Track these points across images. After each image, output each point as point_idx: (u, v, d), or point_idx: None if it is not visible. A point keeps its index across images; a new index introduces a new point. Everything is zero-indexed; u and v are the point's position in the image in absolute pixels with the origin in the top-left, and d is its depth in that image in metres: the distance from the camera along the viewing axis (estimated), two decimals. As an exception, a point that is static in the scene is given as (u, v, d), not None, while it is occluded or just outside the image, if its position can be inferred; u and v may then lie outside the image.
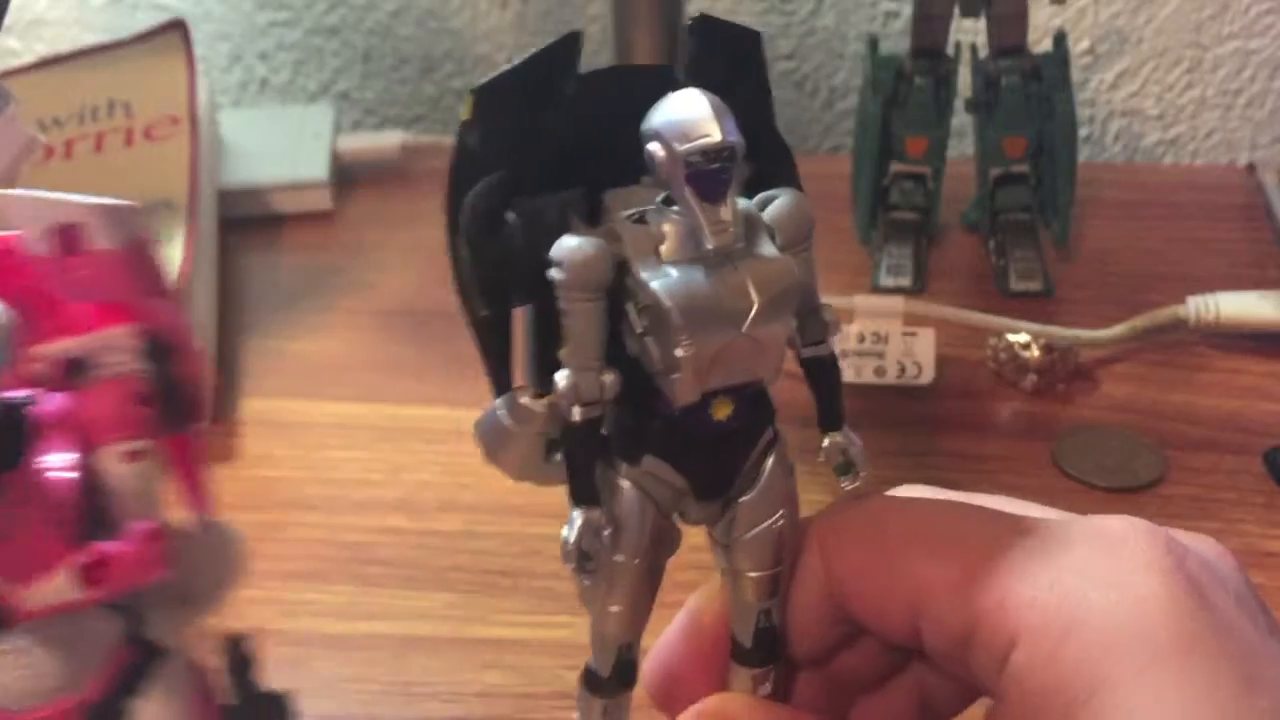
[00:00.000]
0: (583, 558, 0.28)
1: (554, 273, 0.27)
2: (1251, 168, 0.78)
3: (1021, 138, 0.67)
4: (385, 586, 0.52)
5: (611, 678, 0.31)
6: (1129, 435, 0.58)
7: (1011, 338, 0.62)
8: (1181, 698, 0.24)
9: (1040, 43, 0.75)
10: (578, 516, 0.28)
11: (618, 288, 0.27)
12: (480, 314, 0.29)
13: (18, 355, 0.31)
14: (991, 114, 0.67)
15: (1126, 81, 0.85)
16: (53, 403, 0.32)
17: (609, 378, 0.28)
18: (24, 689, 0.32)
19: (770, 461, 0.30)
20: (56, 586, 0.31)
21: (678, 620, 0.32)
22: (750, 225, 0.28)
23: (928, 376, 0.61)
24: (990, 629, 0.27)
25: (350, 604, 0.51)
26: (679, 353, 0.26)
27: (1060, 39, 0.66)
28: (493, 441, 0.29)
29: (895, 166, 0.68)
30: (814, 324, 0.30)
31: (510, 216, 0.28)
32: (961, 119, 0.69)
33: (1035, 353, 0.61)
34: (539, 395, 0.29)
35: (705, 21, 0.29)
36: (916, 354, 0.61)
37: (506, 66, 0.27)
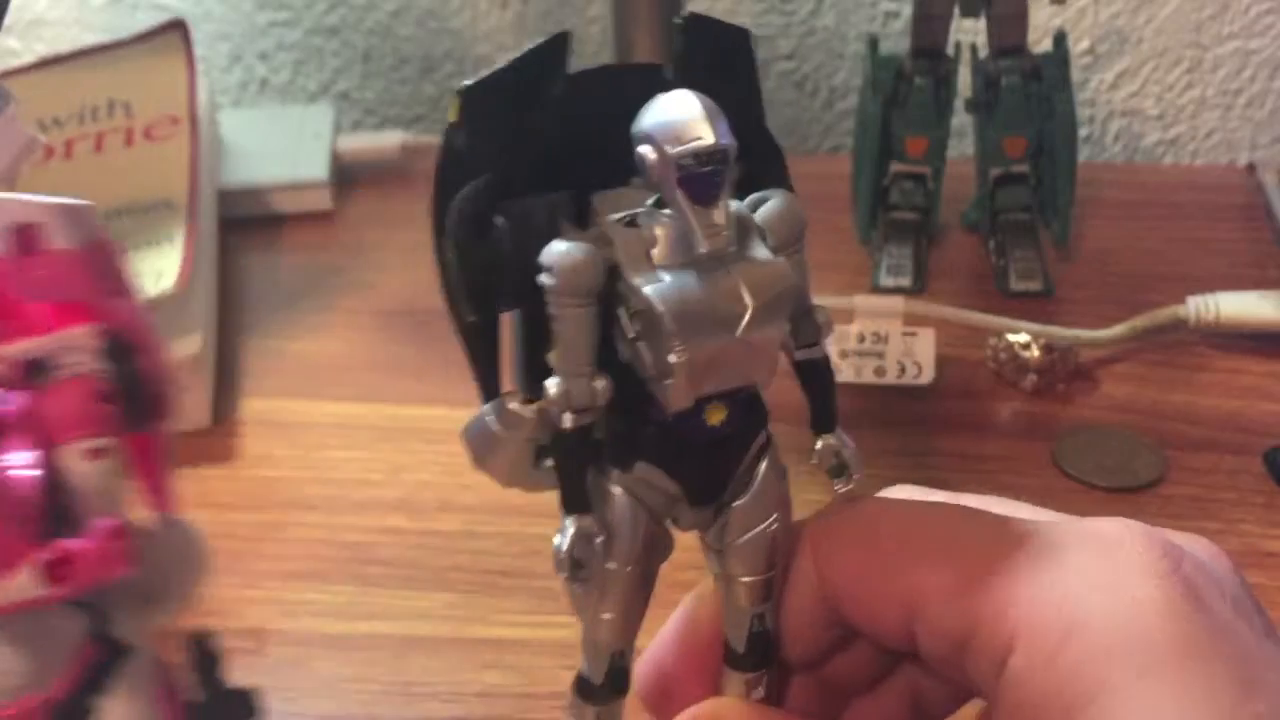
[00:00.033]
0: (575, 566, 0.28)
1: (544, 278, 0.27)
2: (1251, 168, 0.78)
3: (1021, 138, 0.67)
4: (385, 586, 0.52)
5: (604, 685, 0.31)
6: (1129, 435, 0.58)
7: (1011, 338, 0.62)
8: (1180, 704, 0.24)
9: (1040, 43, 0.75)
10: (570, 524, 0.28)
11: (609, 293, 0.27)
12: (468, 319, 0.28)
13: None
14: (991, 114, 0.67)
15: (1126, 81, 0.85)
16: (13, 402, 0.32)
17: (600, 384, 0.27)
18: (-12, 687, 0.32)
19: (763, 465, 0.29)
20: (19, 584, 0.31)
21: (670, 624, 0.32)
22: (742, 228, 0.27)
23: (928, 376, 0.61)
24: (987, 634, 0.27)
25: (350, 604, 0.51)
26: (672, 358, 0.26)
27: (1060, 39, 0.66)
28: (481, 448, 0.29)
29: (895, 166, 0.68)
30: (807, 326, 0.30)
31: (498, 220, 0.27)
32: (961, 119, 0.69)
33: (1035, 353, 0.61)
34: (528, 401, 0.28)
35: (694, 20, 0.29)
36: (916, 354, 0.61)
37: (493, 68, 0.27)
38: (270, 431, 0.60)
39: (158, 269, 0.61)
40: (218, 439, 0.60)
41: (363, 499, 0.56)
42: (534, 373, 0.28)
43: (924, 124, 0.67)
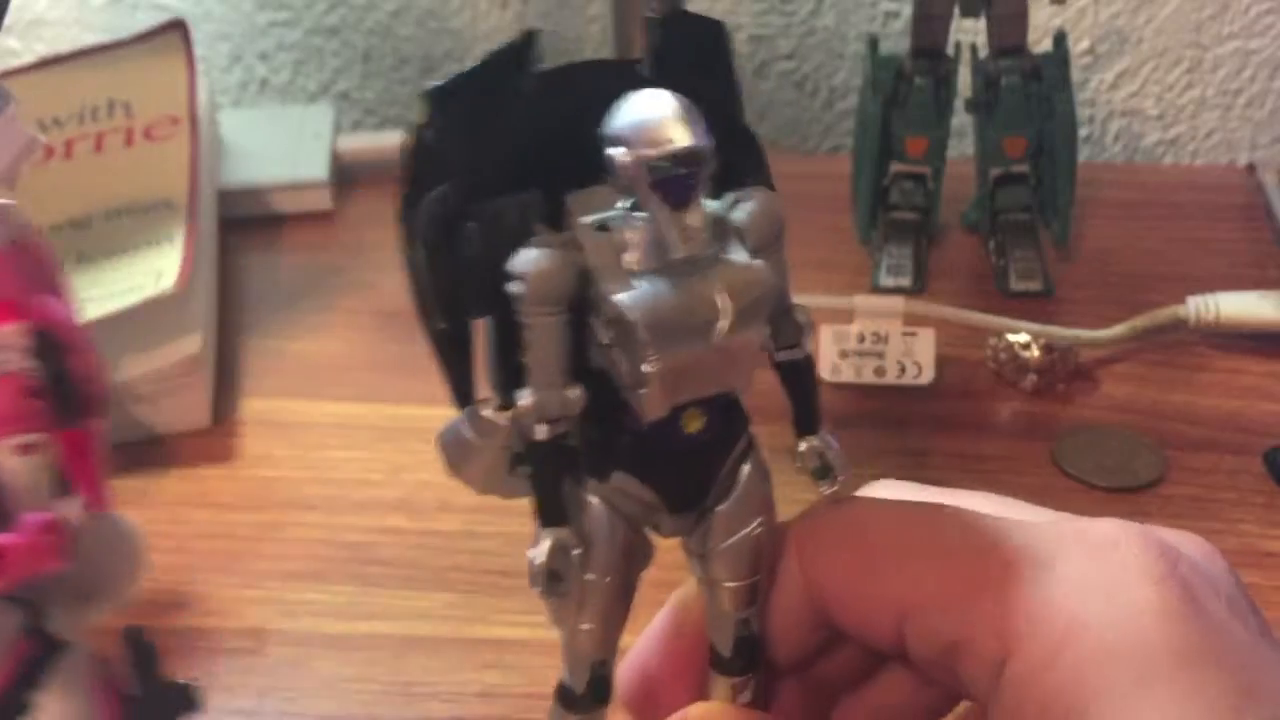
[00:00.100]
0: (552, 579, 0.28)
1: (513, 286, 0.26)
2: (1251, 168, 0.78)
3: (1021, 138, 0.67)
4: (385, 586, 0.52)
5: (586, 695, 0.30)
6: (1129, 435, 0.58)
7: (1011, 338, 0.62)
8: (1179, 711, 0.24)
9: (1040, 43, 0.75)
10: (545, 537, 0.27)
11: (581, 299, 0.26)
12: (438, 327, 0.28)
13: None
14: (991, 114, 0.67)
15: (1126, 81, 0.85)
16: None
17: (574, 393, 0.27)
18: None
19: (746, 468, 0.29)
20: None
21: (654, 626, 0.31)
22: (719, 229, 0.27)
23: (928, 376, 0.61)
24: (981, 639, 0.27)
25: (350, 604, 0.51)
26: (646, 368, 0.25)
27: (1060, 39, 0.66)
28: (455, 455, 0.28)
29: (895, 166, 0.68)
30: (787, 327, 0.29)
31: (469, 223, 0.27)
32: (961, 119, 0.69)
33: (1035, 353, 0.61)
34: (502, 408, 0.27)
35: (668, 14, 0.28)
36: (916, 354, 0.61)
37: (462, 68, 0.26)
38: (270, 431, 0.60)
39: (158, 269, 0.61)
40: (218, 439, 0.60)
41: (363, 499, 0.56)
42: (508, 379, 0.27)
43: (924, 124, 0.67)
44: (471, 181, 0.27)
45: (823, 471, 0.30)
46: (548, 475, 0.27)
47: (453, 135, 0.26)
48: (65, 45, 0.80)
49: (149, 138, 0.70)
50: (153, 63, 0.73)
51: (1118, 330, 0.63)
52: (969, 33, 0.68)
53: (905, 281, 0.68)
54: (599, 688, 0.30)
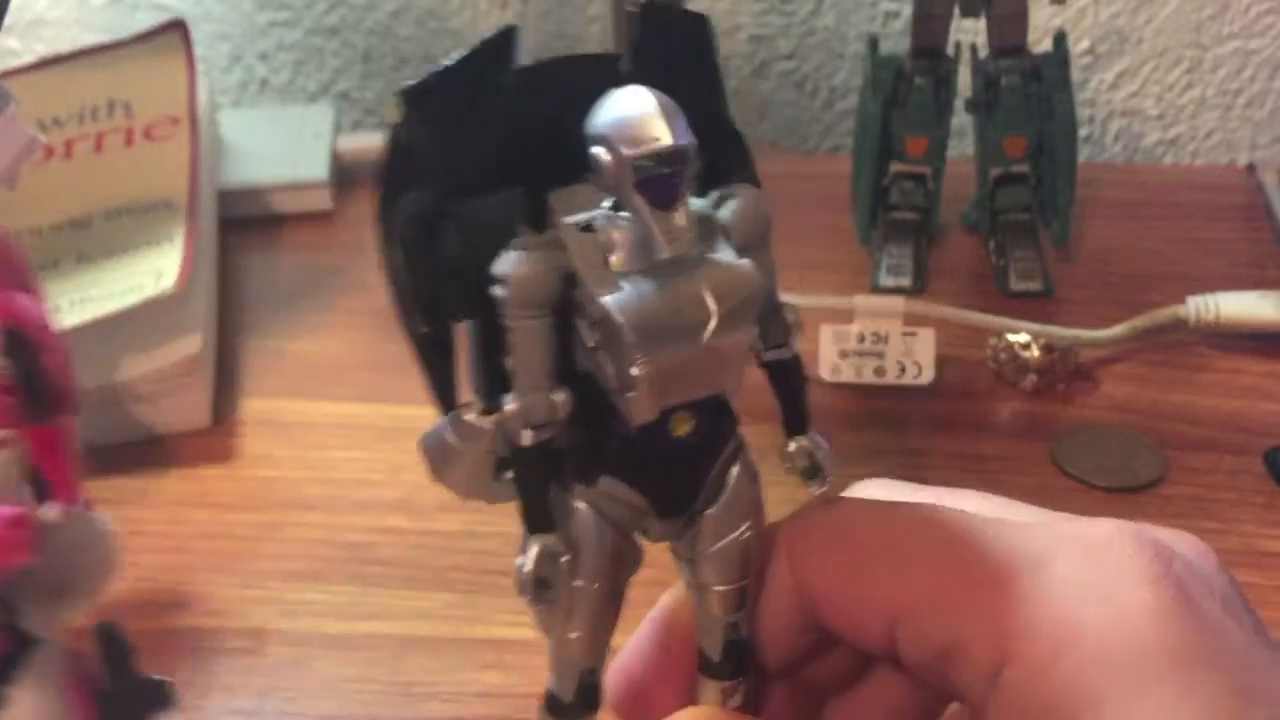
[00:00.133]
0: (540, 586, 0.27)
1: (496, 290, 0.26)
2: (1251, 168, 0.78)
3: (1021, 138, 0.67)
4: (385, 586, 0.52)
5: (574, 703, 0.30)
6: (1129, 435, 0.58)
7: (1011, 338, 0.62)
8: (1178, 714, 0.24)
9: (1040, 43, 0.75)
10: (532, 544, 0.27)
11: (566, 301, 0.26)
12: (420, 331, 0.27)
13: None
14: (991, 114, 0.67)
15: (1126, 81, 0.85)
16: None
17: (560, 397, 0.26)
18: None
19: (734, 471, 0.28)
20: None
21: (641, 631, 0.31)
22: (705, 228, 0.26)
23: (928, 376, 0.61)
24: (976, 645, 0.26)
25: (350, 604, 0.51)
26: (634, 371, 0.25)
27: (1060, 39, 0.67)
28: (439, 460, 0.28)
29: (895, 166, 0.68)
30: (776, 326, 0.28)
31: (449, 223, 0.26)
32: (961, 119, 0.69)
33: (1035, 353, 0.61)
34: (486, 412, 0.27)
35: (650, 9, 0.27)
36: (916, 354, 0.61)
37: (437, 66, 0.26)
38: (270, 431, 0.60)
39: (158, 269, 0.61)
40: (218, 439, 0.60)
41: (363, 499, 0.56)
42: (492, 382, 0.27)
43: (924, 124, 0.67)
44: (450, 181, 0.26)
45: (812, 472, 0.29)
46: (534, 481, 0.27)
47: (430, 134, 0.26)
48: (65, 45, 0.80)
49: (149, 138, 0.70)
50: (153, 63, 0.73)
51: (1118, 330, 0.63)
52: (969, 33, 0.68)
53: (905, 281, 0.68)
54: (588, 695, 0.30)
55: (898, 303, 0.62)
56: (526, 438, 0.26)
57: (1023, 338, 0.61)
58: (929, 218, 0.69)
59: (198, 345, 0.60)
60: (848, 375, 0.61)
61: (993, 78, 0.66)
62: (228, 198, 0.74)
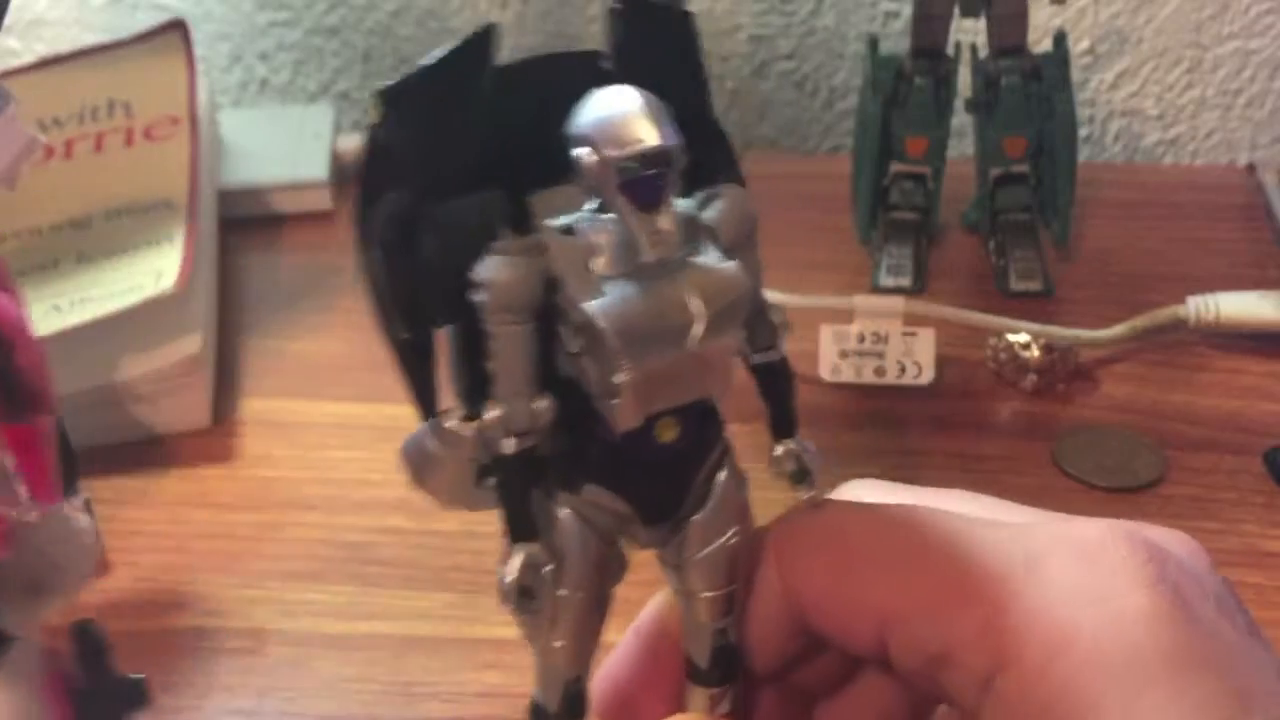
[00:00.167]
0: (523, 596, 0.27)
1: (477, 295, 0.25)
2: (1251, 168, 0.78)
3: (1021, 138, 0.67)
4: (385, 586, 0.52)
5: (560, 713, 0.29)
6: (1129, 435, 0.58)
7: (1011, 338, 0.62)
8: (1175, 718, 0.24)
9: (1040, 43, 0.75)
10: (516, 553, 0.26)
11: (548, 306, 0.25)
12: (400, 337, 0.26)
13: None
14: (991, 114, 0.67)
15: (1126, 81, 0.85)
16: None
17: (542, 404, 0.26)
18: None
19: (721, 476, 0.28)
20: None
21: (628, 639, 0.30)
22: (690, 230, 0.25)
23: (928, 376, 0.61)
24: (969, 650, 0.26)
25: (350, 604, 0.51)
26: (618, 378, 0.24)
27: (1060, 39, 0.66)
28: (419, 467, 0.27)
29: (895, 166, 0.68)
30: (763, 328, 0.28)
31: (428, 226, 0.25)
32: (961, 119, 0.69)
33: (1035, 353, 0.61)
34: (467, 418, 0.26)
35: (630, 3, 0.26)
36: (916, 354, 0.61)
37: (416, 66, 0.25)
38: (270, 431, 0.60)
39: (158, 269, 0.61)
40: (218, 439, 0.60)
41: (363, 499, 0.56)
42: (473, 388, 0.26)
43: (924, 124, 0.67)
44: (429, 182, 0.25)
45: (799, 475, 0.29)
46: (516, 488, 0.26)
47: (409, 135, 0.25)
48: (65, 45, 0.80)
49: (149, 138, 0.70)
50: (153, 63, 0.73)
51: (1118, 330, 0.63)
52: (969, 33, 0.68)
53: (905, 281, 0.68)
54: (573, 705, 0.29)
55: (898, 303, 0.62)
56: (509, 445, 0.26)
57: (1023, 338, 0.61)
58: (929, 218, 0.69)
59: (198, 345, 0.60)
60: (848, 375, 0.61)
61: (993, 78, 0.66)
62: (228, 198, 0.74)
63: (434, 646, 0.49)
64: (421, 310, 0.26)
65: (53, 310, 0.59)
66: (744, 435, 0.29)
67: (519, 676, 0.48)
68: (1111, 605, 0.25)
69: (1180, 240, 0.72)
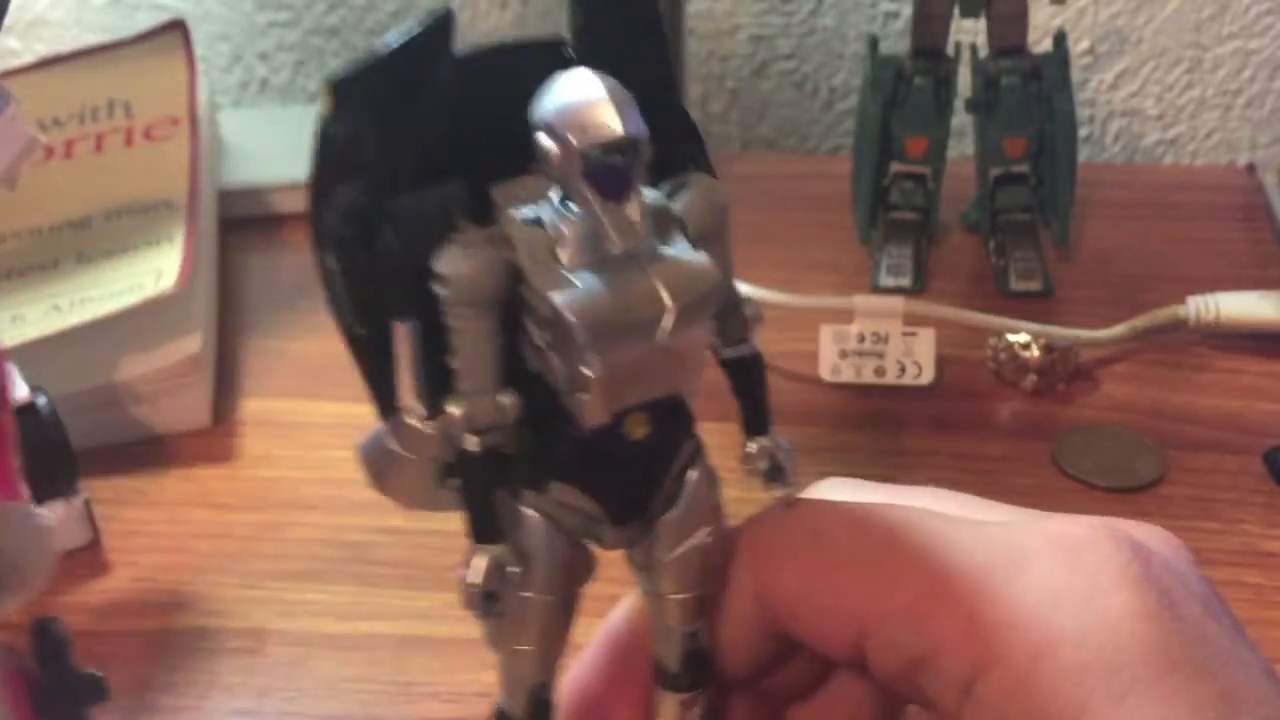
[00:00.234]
0: (487, 600, 0.26)
1: (438, 288, 0.24)
2: (1251, 168, 0.78)
3: (1021, 138, 0.67)
4: (385, 586, 0.52)
5: None
6: (1129, 435, 0.58)
7: (1011, 338, 0.62)
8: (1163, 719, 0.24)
9: (1040, 43, 0.75)
10: (479, 555, 0.26)
11: (513, 299, 0.24)
12: (357, 333, 0.26)
13: None
14: (991, 114, 0.67)
15: (1126, 81, 0.85)
16: None
17: (507, 400, 0.25)
18: None
19: (693, 474, 0.27)
20: None
21: (595, 642, 0.30)
22: (659, 220, 0.25)
23: (928, 376, 0.61)
24: (949, 654, 0.25)
25: (350, 604, 0.51)
26: (587, 371, 0.24)
27: (1060, 39, 0.67)
28: (379, 468, 0.27)
29: (895, 166, 0.68)
30: (734, 322, 0.27)
31: (385, 220, 0.25)
32: (961, 119, 0.69)
33: (1035, 353, 0.61)
34: (429, 416, 0.25)
35: None
36: (916, 354, 0.61)
37: (370, 52, 0.24)
38: (270, 431, 0.60)
39: (158, 269, 0.61)
40: (218, 439, 0.60)
41: (363, 499, 0.56)
42: (435, 385, 0.25)
43: (924, 124, 0.67)
44: (386, 175, 0.25)
45: (773, 473, 0.28)
46: (480, 488, 0.26)
47: (362, 127, 0.24)
48: (65, 45, 0.80)
49: (149, 138, 0.70)
50: (153, 63, 0.73)
51: (1118, 330, 0.63)
52: (969, 33, 0.68)
53: (905, 281, 0.68)
54: (540, 711, 0.28)
55: (898, 303, 0.62)
56: (472, 443, 0.25)
57: (1023, 338, 0.61)
58: (929, 218, 0.69)
59: (198, 345, 0.60)
60: (848, 375, 0.61)
61: (993, 78, 0.66)
62: (228, 198, 0.74)
63: (434, 646, 0.49)
64: (379, 305, 0.25)
65: (53, 310, 0.59)
66: (716, 433, 0.28)
67: (519, 676, 0.48)
68: (1096, 606, 0.25)
69: (1180, 240, 0.72)
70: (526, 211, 0.25)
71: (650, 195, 0.25)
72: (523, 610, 0.27)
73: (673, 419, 0.26)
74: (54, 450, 0.50)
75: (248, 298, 0.70)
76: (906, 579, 0.26)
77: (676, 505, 0.27)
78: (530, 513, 0.26)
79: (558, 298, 0.24)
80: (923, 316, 0.62)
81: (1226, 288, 0.64)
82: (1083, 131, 0.84)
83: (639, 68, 0.24)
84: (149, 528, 0.55)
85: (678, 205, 0.25)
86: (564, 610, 0.27)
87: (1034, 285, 0.67)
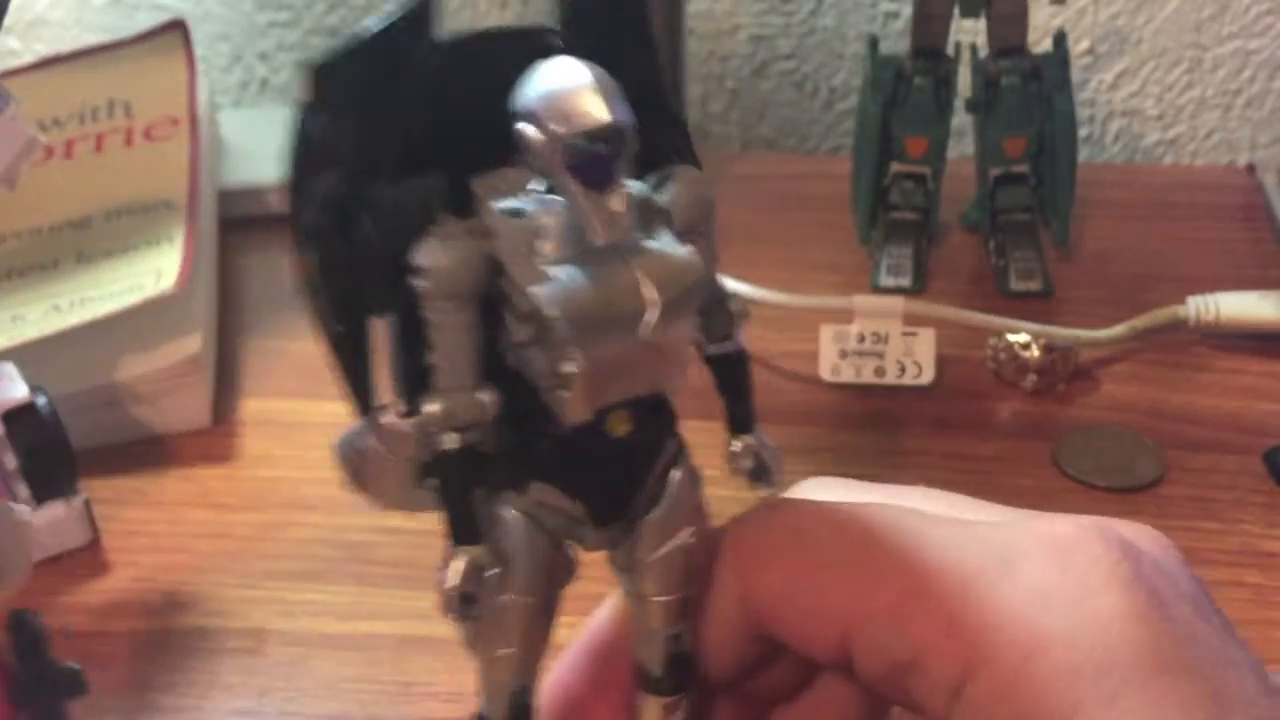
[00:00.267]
0: (466, 602, 0.25)
1: (417, 280, 0.24)
2: (1251, 168, 0.78)
3: (1021, 138, 0.67)
4: (385, 586, 0.52)
5: None
6: (1129, 435, 0.58)
7: (1011, 338, 0.62)
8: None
9: (1040, 43, 0.75)
10: (458, 557, 0.25)
11: (493, 292, 0.24)
12: (334, 329, 0.25)
13: None
14: (991, 114, 0.67)
15: (1126, 81, 0.85)
16: None
17: (486, 397, 0.24)
18: None
19: (676, 474, 0.26)
20: None
21: (576, 646, 0.29)
22: (644, 213, 0.24)
23: (928, 376, 0.61)
24: (937, 657, 0.25)
25: (350, 604, 0.51)
26: (568, 367, 0.23)
27: (1060, 39, 0.67)
28: (355, 467, 0.26)
29: (895, 166, 0.68)
30: (720, 318, 0.27)
31: (363, 212, 0.24)
32: (961, 119, 0.69)
33: (1035, 353, 0.61)
34: (407, 414, 0.25)
35: None
36: (916, 354, 0.61)
37: (350, 39, 0.23)
38: (270, 431, 0.60)
39: (157, 269, 0.61)
40: (218, 439, 0.60)
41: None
42: (413, 382, 0.25)
43: (924, 124, 0.67)
44: (364, 165, 0.24)
45: (758, 473, 0.28)
46: (458, 488, 0.25)
47: (340, 116, 0.24)
48: (65, 45, 0.80)
49: (149, 138, 0.70)
50: (153, 63, 0.73)
51: (1118, 330, 0.63)
52: (969, 33, 0.68)
53: (905, 281, 0.68)
54: (520, 716, 0.28)
55: (898, 303, 0.62)
56: (450, 441, 0.24)
57: (1023, 338, 0.61)
58: (929, 218, 0.69)
59: (198, 345, 0.60)
60: (848, 375, 0.61)
61: (993, 78, 0.66)
62: (228, 198, 0.74)
63: (434, 646, 0.49)
64: (358, 299, 0.25)
65: (53, 310, 0.59)
66: (700, 431, 0.27)
67: (519, 676, 0.48)
68: (1086, 606, 0.24)
69: (1180, 240, 0.72)
70: (507, 203, 0.24)
71: (635, 187, 0.24)
72: (502, 613, 0.26)
73: (655, 417, 0.26)
74: (53, 450, 0.50)
75: (248, 298, 0.70)
76: (888, 580, 0.26)
77: (659, 505, 0.27)
78: (510, 513, 0.26)
79: (538, 292, 0.23)
80: (923, 316, 0.62)
81: (1226, 288, 0.64)
82: (1083, 131, 0.84)
83: (626, 59, 0.24)
84: (149, 528, 0.55)
85: (663, 198, 0.25)
86: (545, 613, 0.27)
87: (1034, 285, 0.67)
